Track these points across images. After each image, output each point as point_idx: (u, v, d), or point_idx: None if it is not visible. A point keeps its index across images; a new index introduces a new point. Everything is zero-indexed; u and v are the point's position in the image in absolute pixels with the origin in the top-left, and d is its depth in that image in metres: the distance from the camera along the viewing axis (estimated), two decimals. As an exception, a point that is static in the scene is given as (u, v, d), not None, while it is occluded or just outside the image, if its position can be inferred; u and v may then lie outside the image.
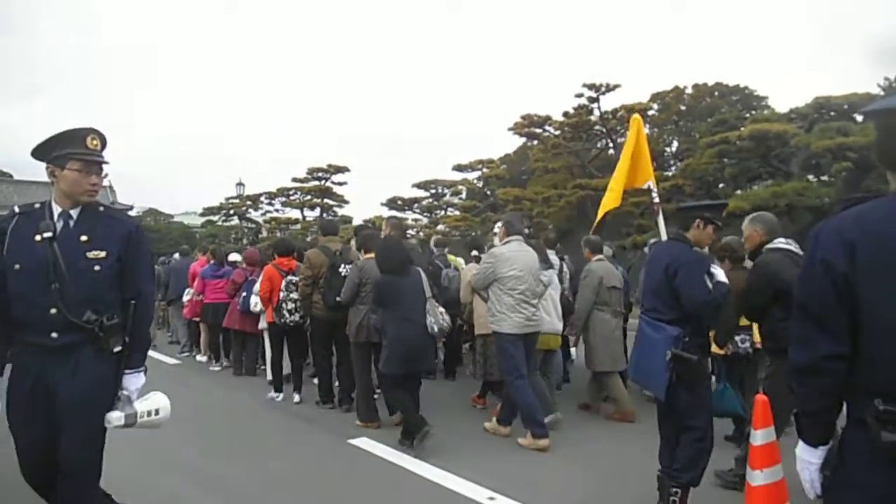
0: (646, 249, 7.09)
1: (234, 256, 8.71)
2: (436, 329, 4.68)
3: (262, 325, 7.03)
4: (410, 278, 4.78)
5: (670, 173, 24.36)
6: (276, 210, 34.96)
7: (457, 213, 27.59)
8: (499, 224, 5.42)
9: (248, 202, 34.61)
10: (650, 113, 24.63)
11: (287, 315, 6.21)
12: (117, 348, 2.47)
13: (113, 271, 2.47)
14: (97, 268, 2.43)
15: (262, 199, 34.67)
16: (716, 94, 26.97)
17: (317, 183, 32.48)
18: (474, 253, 7.19)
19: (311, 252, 6.13)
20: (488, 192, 32.49)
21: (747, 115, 22.59)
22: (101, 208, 2.55)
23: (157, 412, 2.58)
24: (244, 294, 7.40)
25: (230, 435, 5.36)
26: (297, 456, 4.71)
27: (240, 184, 32.38)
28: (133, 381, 2.54)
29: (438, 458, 4.32)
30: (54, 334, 2.37)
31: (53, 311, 2.35)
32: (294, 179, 32.84)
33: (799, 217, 13.77)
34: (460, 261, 7.34)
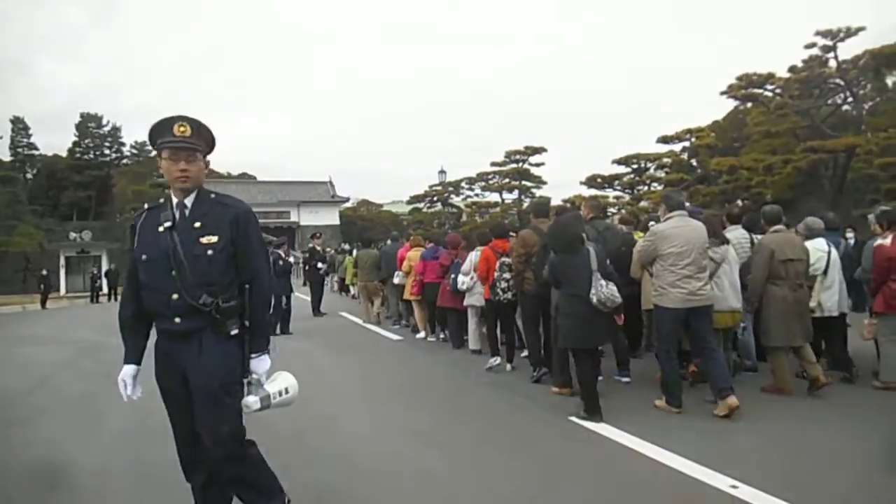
0: (870, 217, 6.09)
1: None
2: (594, 300, 4.70)
3: (467, 301, 7.65)
4: (581, 256, 4.85)
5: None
6: (476, 195, 36.24)
7: (661, 188, 25.98)
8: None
9: (450, 188, 36.27)
10: (902, 56, 20.74)
11: (500, 293, 6.72)
12: (234, 331, 2.54)
13: (226, 255, 2.52)
14: (210, 252, 2.49)
15: (463, 184, 36.15)
16: None
17: (514, 165, 32.89)
18: (651, 224, 6.94)
19: (524, 232, 6.52)
20: (694, 164, 30.14)
21: None
22: (213, 195, 2.61)
23: (286, 391, 2.61)
24: (452, 276, 7.91)
25: (451, 403, 5.68)
26: (517, 426, 4.83)
27: (442, 171, 34.07)
28: (260, 364, 2.58)
29: (666, 441, 4.09)
30: (177, 319, 2.47)
31: (175, 296, 2.45)
32: (492, 163, 33.58)
33: None
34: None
